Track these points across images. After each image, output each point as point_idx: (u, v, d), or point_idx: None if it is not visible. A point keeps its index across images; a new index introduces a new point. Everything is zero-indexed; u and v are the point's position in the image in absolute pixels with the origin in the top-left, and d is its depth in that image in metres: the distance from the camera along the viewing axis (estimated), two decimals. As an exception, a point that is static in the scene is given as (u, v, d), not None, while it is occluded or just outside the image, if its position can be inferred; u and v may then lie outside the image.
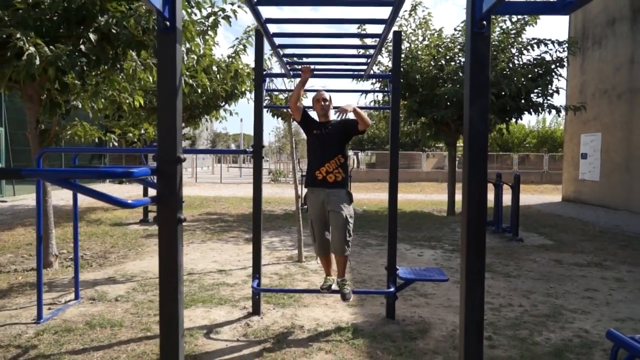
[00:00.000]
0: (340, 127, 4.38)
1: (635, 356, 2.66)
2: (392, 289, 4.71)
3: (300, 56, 5.07)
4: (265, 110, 5.17)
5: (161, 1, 2.06)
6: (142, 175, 1.94)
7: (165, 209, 2.11)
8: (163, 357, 2.17)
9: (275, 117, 7.70)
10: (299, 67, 4.49)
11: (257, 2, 3.04)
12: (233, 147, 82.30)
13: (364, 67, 5.32)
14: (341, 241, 4.23)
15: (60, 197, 16.06)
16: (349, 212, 4.28)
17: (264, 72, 4.90)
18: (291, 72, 5.27)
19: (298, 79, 4.59)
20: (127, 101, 6.99)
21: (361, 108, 4.59)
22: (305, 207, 4.58)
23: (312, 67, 4.50)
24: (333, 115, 4.51)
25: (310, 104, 4.63)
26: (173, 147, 2.12)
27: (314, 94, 4.59)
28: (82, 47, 5.71)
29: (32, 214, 12.23)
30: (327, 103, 4.48)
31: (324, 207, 4.32)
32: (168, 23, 2.11)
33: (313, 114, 4.63)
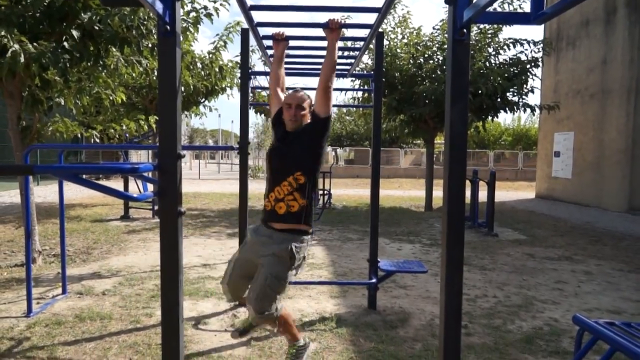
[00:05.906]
0: (306, 130, 3.16)
1: (598, 339, 2.88)
2: (373, 280, 4.89)
3: (287, 55, 5.20)
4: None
5: (162, 7, 2.19)
6: (146, 170, 2.07)
7: (166, 202, 2.25)
8: (165, 343, 2.30)
9: (258, 114, 7.83)
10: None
11: (250, 7, 3.19)
12: (211, 142, 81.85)
13: (347, 67, 5.48)
14: (259, 300, 2.97)
15: (37, 194, 15.90)
16: (276, 271, 2.99)
17: (249, 70, 5.04)
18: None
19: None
20: (111, 97, 7.03)
21: (342, 105, 4.66)
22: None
23: (283, 33, 3.52)
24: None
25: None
26: (173, 144, 2.26)
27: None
28: (65, 43, 5.75)
29: (9, 210, 12.14)
30: (301, 112, 3.13)
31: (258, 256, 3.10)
32: (168, 27, 2.24)
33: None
